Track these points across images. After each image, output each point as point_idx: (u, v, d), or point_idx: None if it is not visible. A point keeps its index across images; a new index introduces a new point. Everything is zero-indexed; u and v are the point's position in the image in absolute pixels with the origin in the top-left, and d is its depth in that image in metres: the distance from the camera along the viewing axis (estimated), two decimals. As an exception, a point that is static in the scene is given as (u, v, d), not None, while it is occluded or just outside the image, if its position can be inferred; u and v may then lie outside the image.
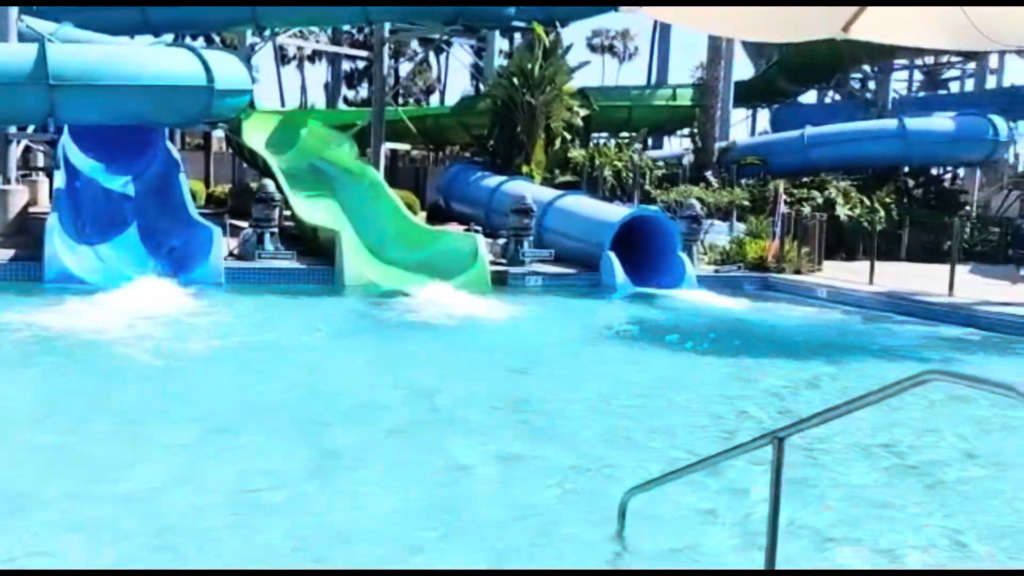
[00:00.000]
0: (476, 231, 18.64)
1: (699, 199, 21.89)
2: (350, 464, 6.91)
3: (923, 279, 18.13)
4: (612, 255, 17.52)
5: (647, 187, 24.27)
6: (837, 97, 38.11)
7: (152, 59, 17.28)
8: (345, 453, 7.15)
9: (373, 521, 5.75)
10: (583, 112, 25.48)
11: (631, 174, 24.39)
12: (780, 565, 4.03)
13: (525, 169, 23.72)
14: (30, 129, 19.29)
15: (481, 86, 30.92)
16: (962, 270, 17.42)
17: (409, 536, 5.55)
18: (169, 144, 20.16)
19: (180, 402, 8.42)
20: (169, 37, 24.46)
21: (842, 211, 22.99)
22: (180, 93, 16.58)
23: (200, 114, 17.42)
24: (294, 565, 5.10)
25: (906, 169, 25.87)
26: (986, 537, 5.85)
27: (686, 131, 31.03)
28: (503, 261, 18.24)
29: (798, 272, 19.03)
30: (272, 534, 5.46)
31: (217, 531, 5.49)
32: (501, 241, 18.96)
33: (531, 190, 20.39)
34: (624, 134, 29.15)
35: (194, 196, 21.72)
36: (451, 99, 40.12)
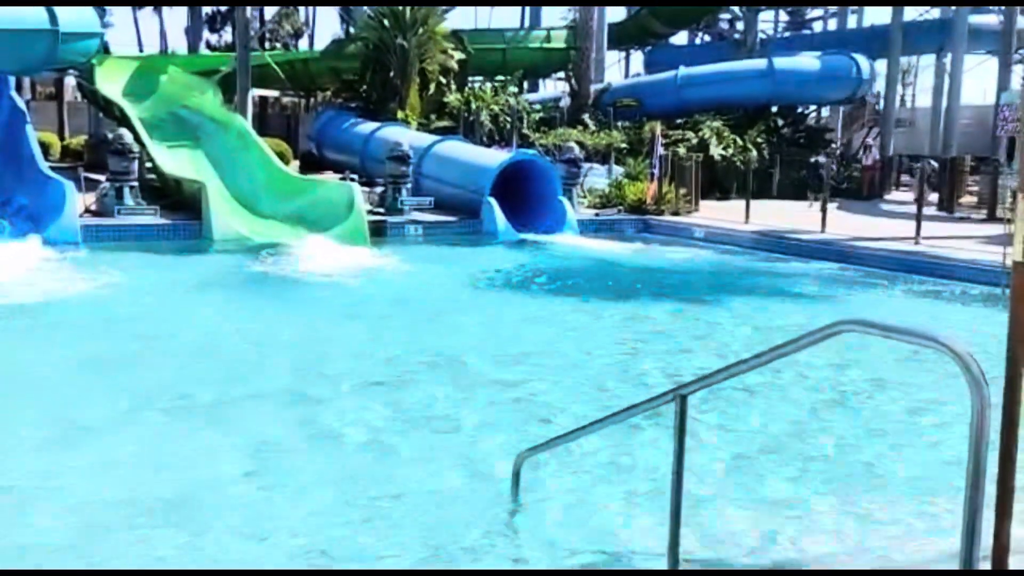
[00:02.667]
0: (352, 180, 18.02)
1: (577, 142, 21.77)
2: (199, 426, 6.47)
3: (795, 217, 18.53)
4: (492, 201, 17.24)
5: (525, 131, 24.01)
6: (708, 38, 38.55)
7: (-13, 0, 15.87)
8: (199, 414, 6.69)
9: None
10: (458, 55, 24.94)
11: (508, 118, 24.05)
12: (685, 523, 3.86)
13: (400, 115, 23.12)
14: None
15: (351, 29, 29.87)
16: (830, 207, 17.86)
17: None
18: (14, 94, 18.67)
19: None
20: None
21: (716, 151, 23.27)
22: (20, 37, 15.28)
23: (44, 60, 16.16)
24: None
25: (775, 108, 26.37)
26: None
27: (562, 74, 30.86)
28: (381, 211, 17.72)
29: (676, 213, 19.18)
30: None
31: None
32: (378, 190, 18.42)
33: (407, 136, 19.84)
34: (500, 78, 28.74)
35: (47, 149, 20.34)
36: (321, 43, 38.69)
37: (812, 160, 24.35)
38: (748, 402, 7.27)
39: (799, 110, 27.98)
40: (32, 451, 6.00)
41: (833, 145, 28.05)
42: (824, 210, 16.89)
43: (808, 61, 25.84)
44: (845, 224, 17.62)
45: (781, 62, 25.48)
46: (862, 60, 25.55)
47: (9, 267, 11.95)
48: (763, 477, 5.82)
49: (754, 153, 23.50)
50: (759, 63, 26.14)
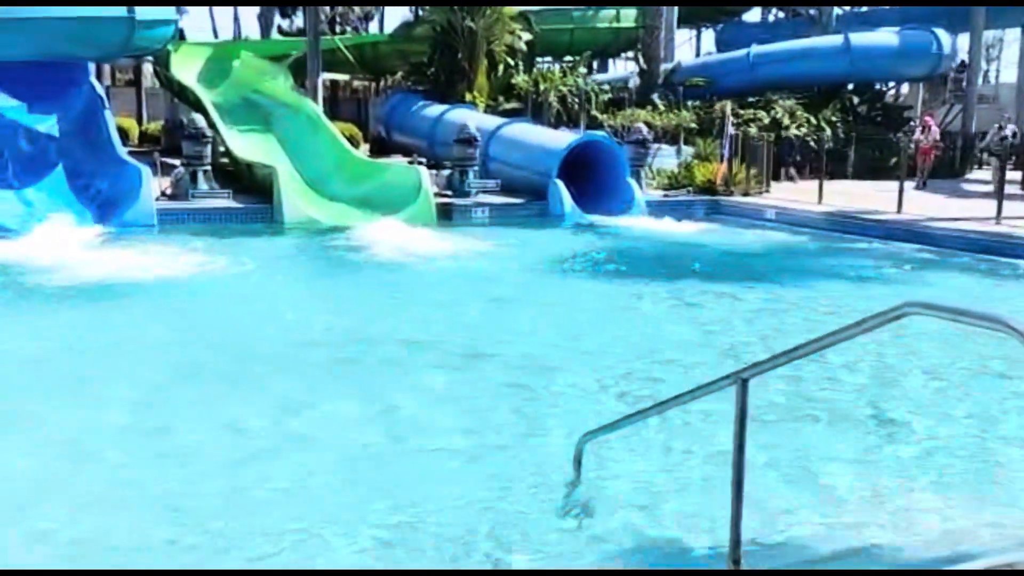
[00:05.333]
0: (420, 163, 18.11)
1: (646, 123, 21.51)
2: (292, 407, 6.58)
3: (871, 197, 18.06)
4: (560, 183, 17.15)
5: (593, 112, 23.78)
6: (781, 15, 37.67)
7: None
8: (290, 397, 6.81)
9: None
10: (526, 36, 24.80)
11: (576, 99, 23.87)
12: (747, 508, 3.79)
13: (468, 97, 23.10)
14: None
15: (421, 11, 29.93)
16: (908, 186, 17.38)
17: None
18: (94, 80, 19.17)
19: (113, 352, 7.98)
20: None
21: (790, 131, 22.77)
22: (98, 24, 15.61)
23: (121, 47, 16.48)
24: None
25: (851, 86, 25.69)
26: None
27: (631, 54, 30.48)
28: (448, 193, 17.78)
29: (747, 194, 18.86)
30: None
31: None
32: (445, 172, 18.48)
33: (474, 118, 19.83)
34: (568, 58, 28.51)
35: (126, 134, 20.87)
36: (390, 26, 38.87)
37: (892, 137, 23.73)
38: (817, 385, 7.13)
39: (876, 87, 27.23)
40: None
41: (912, 123, 27.23)
42: (900, 190, 16.42)
43: (886, 37, 25.06)
44: (923, 204, 17.12)
45: (857, 38, 24.76)
46: (943, 35, 24.68)
47: (92, 250, 12.33)
48: (828, 465, 5.70)
49: (828, 132, 22.94)
50: (835, 39, 25.45)
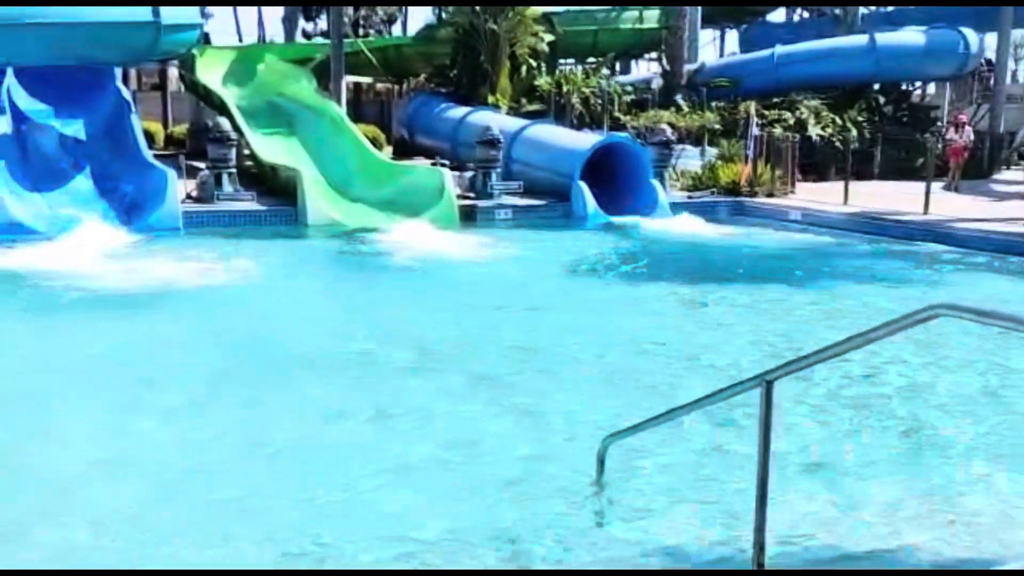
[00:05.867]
0: (443, 165, 18.12)
1: (670, 124, 21.41)
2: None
3: (897, 198, 17.89)
4: (583, 184, 17.12)
5: (616, 113, 23.73)
6: (806, 14, 37.41)
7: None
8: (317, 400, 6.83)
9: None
10: (548, 38, 24.77)
11: (599, 100, 23.81)
12: (771, 513, 3.75)
13: (490, 99, 23.10)
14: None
15: (443, 14, 29.98)
16: (935, 187, 17.19)
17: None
18: (120, 85, 19.34)
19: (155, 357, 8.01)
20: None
21: (814, 131, 22.63)
22: (124, 29, 15.79)
23: (147, 51, 16.65)
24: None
25: (876, 86, 25.46)
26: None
27: (654, 55, 30.38)
28: (471, 195, 17.79)
29: (771, 195, 18.74)
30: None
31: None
32: (468, 174, 18.48)
33: (497, 120, 19.82)
34: (591, 60, 28.44)
35: (151, 138, 21.02)
36: (413, 28, 38.94)
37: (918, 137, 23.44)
38: (844, 387, 7.06)
39: (903, 87, 26.97)
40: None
41: (939, 123, 26.95)
42: (927, 191, 16.25)
43: (912, 36, 24.82)
44: (951, 205, 16.93)
45: (883, 38, 24.54)
46: (970, 34, 24.42)
47: (122, 255, 12.43)
48: (856, 468, 5.64)
49: (853, 132, 22.75)
50: (860, 39, 25.23)
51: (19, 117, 17.56)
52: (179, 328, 9.10)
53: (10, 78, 18.15)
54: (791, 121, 22.65)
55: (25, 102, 18.42)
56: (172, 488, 5.26)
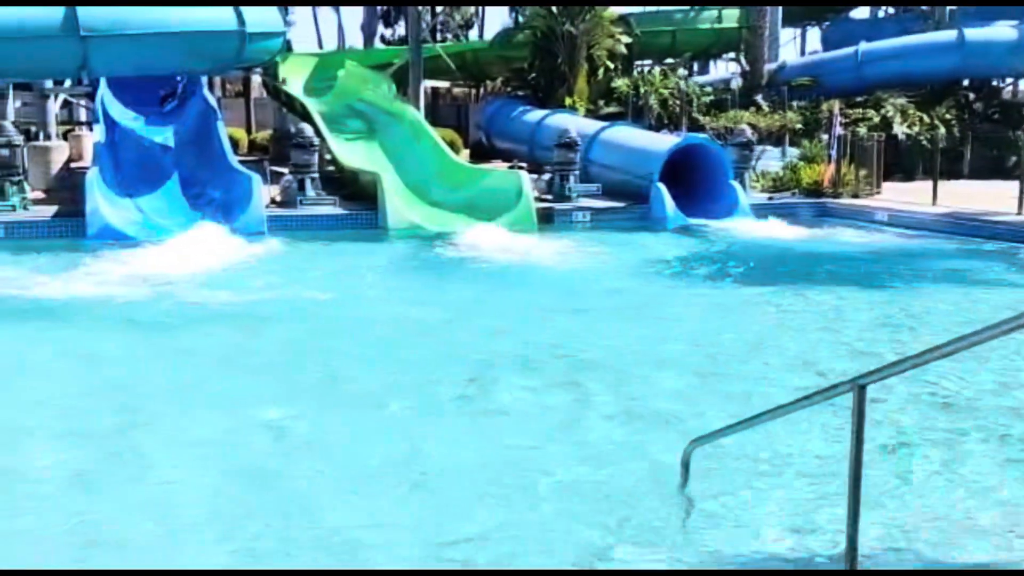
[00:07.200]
0: (520, 168, 18.16)
1: (750, 124, 21.10)
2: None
3: (989, 197, 17.29)
4: (662, 186, 16.97)
5: (695, 114, 23.48)
6: (891, 11, 36.47)
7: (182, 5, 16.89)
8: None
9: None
10: (625, 39, 24.65)
11: (678, 102, 23.59)
12: (864, 526, 3.67)
13: (568, 101, 23.09)
14: (67, 83, 19.12)
15: (520, 17, 30.08)
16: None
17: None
18: (207, 93, 19.88)
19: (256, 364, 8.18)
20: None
21: (900, 130, 22.06)
22: (211, 38, 16.17)
23: (233, 59, 17.02)
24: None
25: (966, 82, 24.69)
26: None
27: (733, 54, 29.99)
28: (549, 197, 17.78)
29: (856, 196, 18.31)
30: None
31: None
32: (546, 177, 18.48)
33: (575, 123, 19.77)
34: (669, 60, 28.20)
35: (236, 144, 21.55)
36: (490, 32, 39.14)
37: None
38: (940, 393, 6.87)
39: (993, 83, 26.12)
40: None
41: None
42: (1022, 190, 15.68)
43: (1003, 31, 24.00)
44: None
45: (972, 33, 23.79)
46: (1065, 26, 23.54)
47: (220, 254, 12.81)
48: (952, 472, 5.48)
49: (942, 130, 22.11)
50: (948, 35, 24.51)
51: (112, 126, 18.22)
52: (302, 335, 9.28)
53: (103, 88, 18.84)
54: (876, 120, 22.12)
55: (117, 111, 19.11)
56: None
